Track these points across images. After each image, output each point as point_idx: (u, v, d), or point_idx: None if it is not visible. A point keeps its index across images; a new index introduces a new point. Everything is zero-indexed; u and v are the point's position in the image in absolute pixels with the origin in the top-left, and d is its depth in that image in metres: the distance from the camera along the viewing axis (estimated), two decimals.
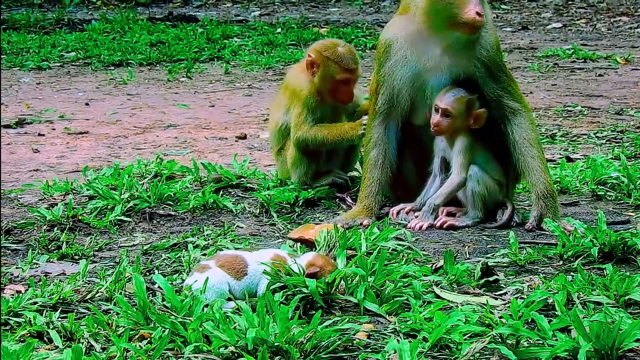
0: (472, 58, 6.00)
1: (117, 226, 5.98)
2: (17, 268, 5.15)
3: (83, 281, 4.82)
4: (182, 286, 4.57)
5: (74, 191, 6.65)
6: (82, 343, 4.04)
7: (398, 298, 4.47)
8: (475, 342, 3.96)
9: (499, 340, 4.00)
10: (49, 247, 5.54)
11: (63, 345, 4.06)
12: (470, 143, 6.01)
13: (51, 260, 5.32)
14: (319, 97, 6.60)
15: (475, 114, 5.99)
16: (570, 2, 20.71)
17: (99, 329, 4.16)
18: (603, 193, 6.58)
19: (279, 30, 17.17)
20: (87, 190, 6.55)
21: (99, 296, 4.60)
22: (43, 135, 9.54)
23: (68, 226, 5.88)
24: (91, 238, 5.71)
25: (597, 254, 5.12)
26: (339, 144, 6.61)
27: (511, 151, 6.02)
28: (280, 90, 7.07)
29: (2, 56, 15.06)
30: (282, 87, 6.99)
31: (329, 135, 6.54)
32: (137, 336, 4.12)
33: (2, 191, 6.76)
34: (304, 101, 6.59)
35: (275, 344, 3.89)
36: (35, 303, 4.45)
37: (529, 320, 4.21)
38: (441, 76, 6.02)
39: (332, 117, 6.70)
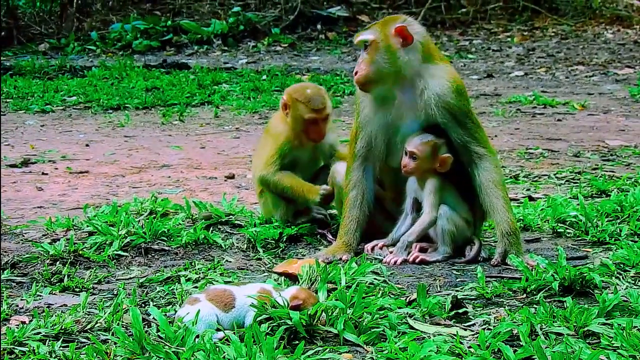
0: (425, 106, 5.94)
1: (115, 260, 5.95)
2: (21, 300, 5.11)
3: (83, 312, 4.78)
4: (174, 317, 4.55)
5: (75, 227, 6.61)
6: None
7: (375, 329, 4.46)
8: None
9: None
10: (52, 280, 5.50)
11: None
12: (440, 184, 6.01)
13: (53, 292, 5.28)
14: (296, 139, 6.59)
15: (440, 158, 5.99)
16: (531, 52, 20.83)
17: (98, 357, 4.13)
18: (563, 230, 6.59)
19: (264, 77, 17.21)
20: (87, 226, 6.52)
21: (98, 327, 4.57)
22: (46, 174, 9.51)
23: (69, 260, 5.84)
24: (91, 271, 5.67)
25: (558, 288, 5.10)
26: (295, 199, 6.58)
27: (478, 192, 6.00)
28: (263, 134, 7.06)
29: (8, 100, 15.03)
30: (265, 131, 6.97)
31: (289, 189, 6.51)
32: None
33: (8, 227, 6.74)
34: (280, 145, 6.58)
35: None
36: (38, 333, 4.43)
37: (496, 350, 4.21)
38: (409, 123, 6.01)
39: (309, 159, 6.70)
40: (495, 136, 11.30)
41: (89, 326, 4.56)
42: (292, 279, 5.41)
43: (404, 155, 6.01)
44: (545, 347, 4.18)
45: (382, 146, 6.10)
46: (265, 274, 5.66)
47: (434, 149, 5.97)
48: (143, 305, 4.99)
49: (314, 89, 6.61)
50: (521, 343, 4.30)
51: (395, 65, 5.92)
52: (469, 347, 4.27)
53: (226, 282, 5.24)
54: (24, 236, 6.53)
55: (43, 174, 9.52)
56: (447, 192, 6.05)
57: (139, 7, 24.90)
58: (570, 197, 7.48)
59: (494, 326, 4.57)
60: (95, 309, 4.88)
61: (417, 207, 6.08)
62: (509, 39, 22.66)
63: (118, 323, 4.59)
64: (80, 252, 5.96)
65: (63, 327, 4.49)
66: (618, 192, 7.52)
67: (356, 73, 5.96)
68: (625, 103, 14.32)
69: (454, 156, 6.00)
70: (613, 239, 6.29)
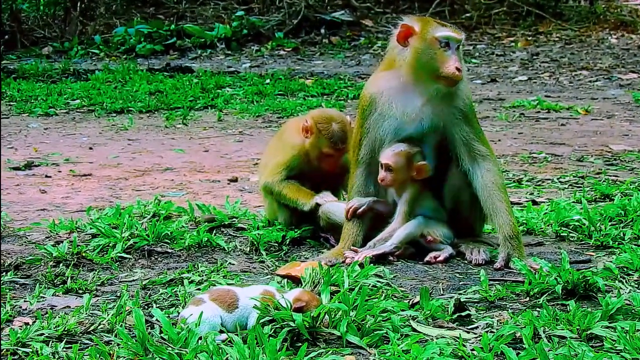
0: (452, 107, 6.00)
1: (118, 262, 5.96)
2: (25, 301, 5.12)
3: (86, 314, 4.80)
4: (178, 319, 4.55)
5: (78, 229, 6.62)
6: None
7: (378, 331, 4.47)
8: None
9: None
10: (55, 281, 5.51)
11: None
12: (415, 194, 6.03)
13: (57, 294, 5.29)
14: (306, 158, 6.58)
15: (416, 167, 6.00)
16: (535, 57, 20.82)
17: (101, 359, 4.14)
18: (566, 234, 6.58)
19: (267, 80, 17.21)
20: (91, 228, 6.53)
21: (101, 328, 4.58)
22: (50, 177, 9.52)
23: (73, 262, 5.85)
24: (94, 273, 5.68)
25: (561, 291, 5.11)
26: (292, 206, 6.57)
27: (479, 194, 6.01)
28: (275, 137, 7.04)
29: (12, 103, 15.06)
30: (277, 135, 6.96)
31: (288, 195, 6.54)
32: None
33: (11, 229, 6.76)
34: (290, 157, 6.58)
35: None
36: (42, 334, 4.43)
37: (499, 353, 4.21)
38: (421, 125, 6.02)
39: (315, 173, 6.64)
40: (499, 140, 11.31)
41: (92, 327, 4.56)
42: (295, 281, 5.41)
43: (380, 168, 6.03)
44: (549, 350, 4.18)
45: None
46: (268, 276, 5.66)
47: (408, 158, 5.98)
48: (146, 307, 4.99)
49: (339, 124, 6.51)
50: (524, 346, 4.30)
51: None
52: (472, 349, 4.27)
53: (229, 285, 5.25)
54: (27, 238, 6.54)
55: (46, 176, 9.54)
56: (424, 201, 6.06)
57: (142, 11, 24.93)
58: (573, 201, 7.48)
59: (497, 329, 4.57)
60: (99, 310, 4.88)
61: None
62: (512, 44, 22.66)
63: (121, 324, 4.59)
64: (84, 254, 5.97)
65: (66, 329, 4.50)
66: (622, 197, 7.51)
67: (459, 70, 5.90)
68: (629, 108, 14.31)
69: (446, 162, 6.03)
70: (616, 242, 6.28)
